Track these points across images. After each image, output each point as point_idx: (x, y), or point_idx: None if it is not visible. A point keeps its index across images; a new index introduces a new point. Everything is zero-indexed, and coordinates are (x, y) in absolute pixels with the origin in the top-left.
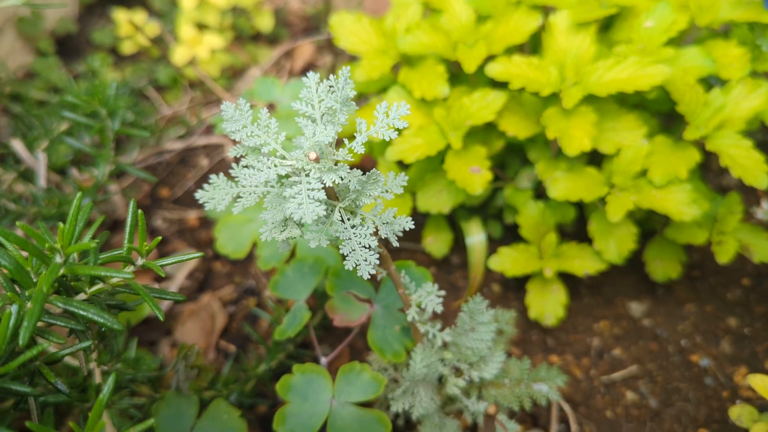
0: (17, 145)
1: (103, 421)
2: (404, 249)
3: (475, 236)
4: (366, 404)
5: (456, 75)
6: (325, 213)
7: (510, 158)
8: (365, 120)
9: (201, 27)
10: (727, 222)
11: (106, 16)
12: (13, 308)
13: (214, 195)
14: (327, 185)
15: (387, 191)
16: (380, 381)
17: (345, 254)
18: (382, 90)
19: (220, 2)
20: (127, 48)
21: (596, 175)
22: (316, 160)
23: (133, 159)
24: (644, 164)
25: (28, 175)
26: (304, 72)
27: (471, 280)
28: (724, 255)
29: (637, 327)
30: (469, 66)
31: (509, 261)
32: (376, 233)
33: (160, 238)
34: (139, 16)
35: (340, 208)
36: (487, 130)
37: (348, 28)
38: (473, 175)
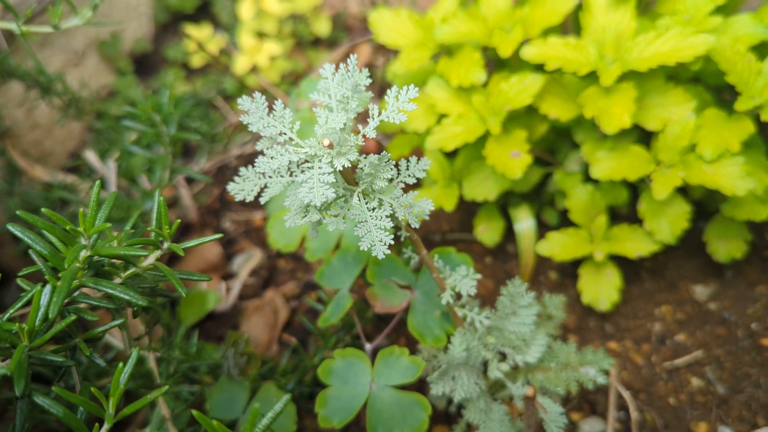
0: (91, 156)
1: (121, 387)
2: (461, 240)
3: (524, 222)
4: (408, 387)
5: (501, 63)
6: (334, 196)
7: (559, 143)
8: (377, 106)
9: (261, 36)
10: None
11: (179, 33)
12: (46, 288)
13: (243, 186)
14: (338, 169)
15: (410, 176)
16: (419, 364)
17: (361, 235)
18: (424, 84)
19: (276, 10)
20: (196, 62)
21: (642, 153)
22: (330, 147)
23: (201, 166)
24: (693, 139)
25: (101, 183)
26: None
27: (522, 267)
28: None
29: (703, 311)
30: (505, 50)
31: (558, 246)
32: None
33: (179, 221)
34: (206, 30)
35: (359, 192)
36: (529, 115)
37: (387, 24)
38: (513, 159)
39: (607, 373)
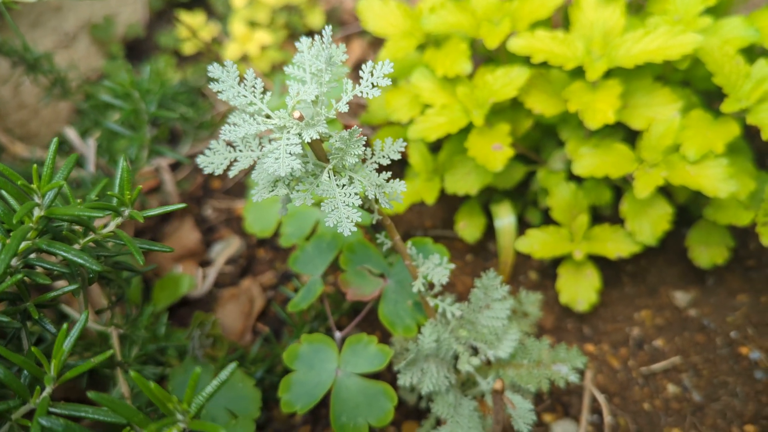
0: (71, 134)
1: (63, 349)
2: (442, 237)
3: (505, 219)
4: (376, 377)
5: (489, 58)
6: (300, 167)
7: (545, 141)
8: (352, 81)
9: (253, 25)
10: None
11: (173, 21)
12: None
13: (213, 160)
14: (306, 141)
15: (384, 157)
16: (387, 353)
17: (327, 211)
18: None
19: (270, 0)
20: (187, 49)
21: (626, 151)
22: (300, 119)
23: (186, 151)
24: (677, 139)
25: (80, 162)
26: (355, 68)
27: (501, 264)
28: None
29: (682, 317)
30: (492, 41)
31: (538, 243)
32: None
33: (140, 187)
34: (199, 17)
35: (329, 169)
36: (514, 110)
37: (375, 11)
38: (494, 152)
39: (581, 372)
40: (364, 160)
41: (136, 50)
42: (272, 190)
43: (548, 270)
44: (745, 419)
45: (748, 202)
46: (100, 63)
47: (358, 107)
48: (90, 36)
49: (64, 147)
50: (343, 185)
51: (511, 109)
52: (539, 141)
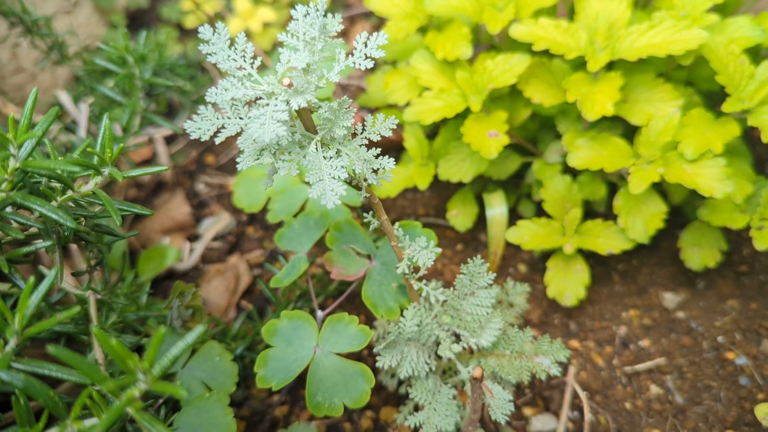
0: (63, 97)
1: (28, 303)
2: (435, 225)
3: (497, 208)
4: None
5: (492, 46)
6: (285, 134)
7: (543, 134)
8: (344, 51)
9: (257, 1)
10: None
11: None
12: None
13: (200, 125)
14: (294, 108)
15: (375, 132)
16: (367, 334)
17: (311, 182)
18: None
19: None
20: (190, 22)
21: (623, 145)
22: (289, 86)
23: (182, 124)
24: (676, 136)
25: (72, 127)
26: None
27: (491, 254)
28: (763, 241)
29: (670, 319)
30: (494, 27)
31: (529, 234)
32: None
33: (122, 146)
34: None
35: (317, 140)
36: (513, 98)
37: None
38: (490, 138)
39: (564, 366)
40: (354, 135)
41: (139, 21)
42: (257, 159)
43: (538, 264)
44: (727, 424)
45: (744, 206)
46: (101, 31)
47: (358, 90)
48: (92, 3)
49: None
50: (330, 158)
51: (509, 97)
52: (537, 133)
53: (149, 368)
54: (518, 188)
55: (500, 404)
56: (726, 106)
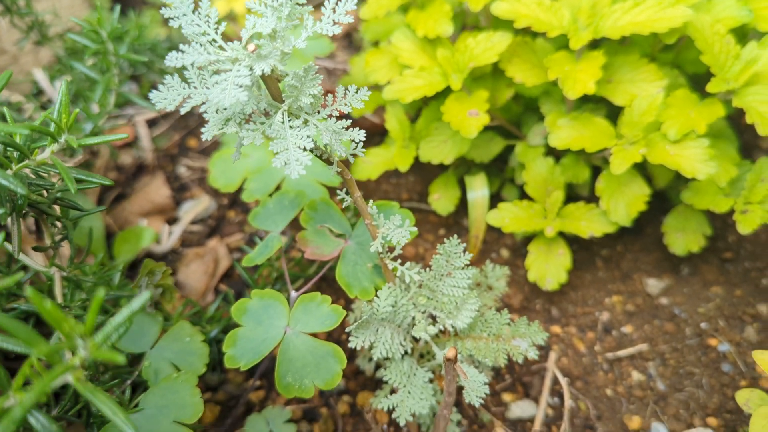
0: (38, 75)
1: None
2: (417, 209)
3: (478, 191)
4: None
5: (477, 27)
6: (246, 99)
7: (526, 116)
8: (313, 17)
9: None
10: (756, 191)
11: None
12: None
13: (166, 95)
14: (257, 74)
15: (346, 104)
16: (340, 313)
17: (275, 151)
18: None
19: None
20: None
21: (605, 126)
22: (254, 52)
23: (161, 109)
24: (659, 116)
25: (48, 106)
26: (344, 36)
27: (472, 237)
28: (747, 225)
29: (654, 305)
30: (476, 4)
31: (510, 216)
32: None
33: (78, 110)
34: None
35: (284, 110)
36: (496, 78)
37: None
38: (470, 118)
39: (542, 349)
40: (325, 106)
41: (124, 4)
42: (222, 128)
43: (521, 249)
44: (709, 411)
45: (729, 190)
46: (84, 14)
47: (344, 74)
48: None
49: (34, 90)
50: (297, 127)
51: (492, 77)
52: (521, 115)
53: (89, 334)
54: (502, 173)
55: (475, 387)
56: (711, 87)
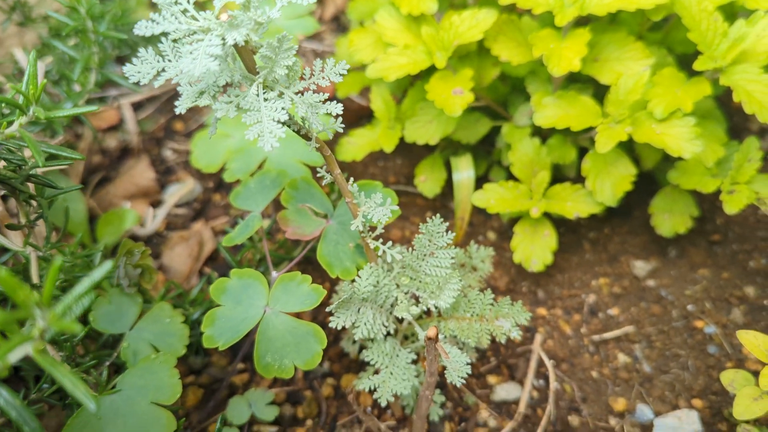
0: (18, 54)
1: None
2: (404, 192)
3: (464, 172)
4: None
5: (464, 5)
6: (217, 68)
7: (513, 97)
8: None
9: None
10: (744, 171)
11: None
12: None
13: (140, 69)
14: (229, 43)
15: (324, 78)
16: (320, 293)
17: (249, 123)
18: None
19: None
20: None
21: (591, 104)
22: (227, 22)
23: (147, 90)
24: (646, 95)
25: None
26: (333, 19)
27: (457, 219)
28: (733, 205)
29: (640, 287)
30: None
31: (495, 197)
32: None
33: (45, 81)
34: None
35: (258, 82)
36: (482, 57)
37: None
38: (454, 96)
39: (530, 334)
40: (302, 79)
41: None
42: (196, 101)
43: (507, 231)
44: (694, 393)
45: (716, 170)
46: None
47: (331, 56)
48: None
49: (14, 69)
50: (272, 99)
51: (477, 56)
52: (508, 96)
53: (47, 304)
54: (490, 155)
55: (457, 366)
56: (698, 64)
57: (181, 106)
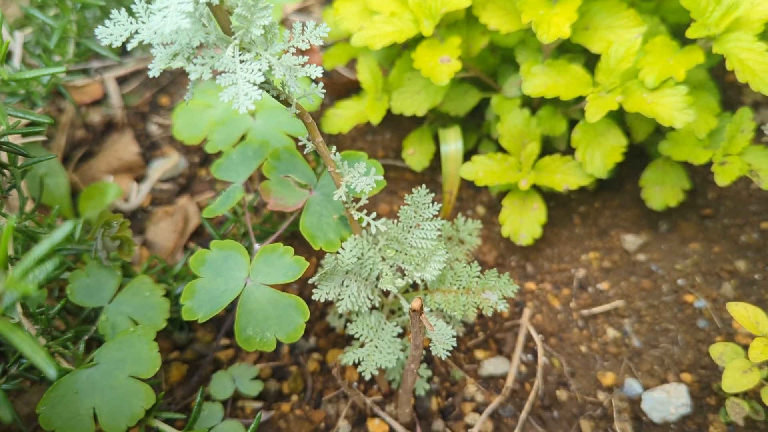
0: None
1: None
2: (393, 166)
3: (452, 144)
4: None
5: None
6: (189, 26)
7: (503, 68)
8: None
9: None
10: (736, 142)
11: None
12: None
13: (113, 31)
14: (201, 1)
15: (304, 41)
16: (302, 264)
17: (223, 85)
18: None
19: None
20: None
21: (581, 73)
22: None
23: (133, 64)
24: (637, 64)
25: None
26: (323, 2)
27: (446, 193)
28: (725, 177)
29: (631, 261)
30: None
31: (483, 169)
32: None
33: (9, 41)
34: None
35: (234, 44)
36: (470, 26)
37: None
38: (441, 65)
39: (518, 308)
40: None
41: None
42: (169, 63)
43: (497, 206)
44: (683, 367)
45: (708, 142)
46: None
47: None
48: None
49: None
50: (248, 61)
51: (465, 24)
52: (497, 67)
53: (2, 266)
54: (480, 129)
55: (442, 339)
56: (690, 32)
57: (154, 69)
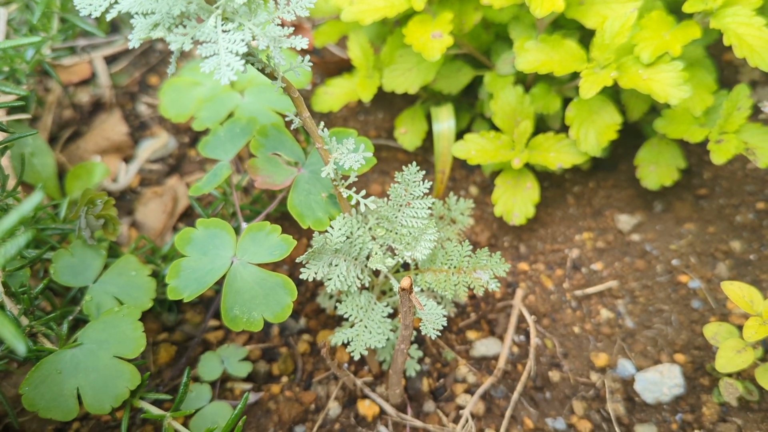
0: None
1: None
2: (386, 146)
3: (444, 123)
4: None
5: None
6: None
7: (497, 45)
8: None
9: None
10: (732, 120)
11: None
12: None
13: (92, 1)
14: None
15: (289, 12)
16: (290, 243)
17: (204, 55)
18: None
19: None
20: None
21: (575, 48)
22: None
23: (121, 43)
24: (633, 39)
25: None
26: None
27: (438, 173)
28: (721, 155)
29: (625, 242)
30: None
31: (476, 148)
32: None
33: None
34: None
35: (217, 14)
36: (463, 1)
37: None
38: (433, 40)
39: (511, 289)
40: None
41: None
42: (150, 33)
43: (490, 186)
44: (676, 348)
45: (704, 120)
46: None
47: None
48: None
49: None
50: (230, 31)
51: (458, 0)
52: (491, 45)
53: None
54: (473, 108)
55: (432, 318)
56: (687, 6)
57: (134, 39)
